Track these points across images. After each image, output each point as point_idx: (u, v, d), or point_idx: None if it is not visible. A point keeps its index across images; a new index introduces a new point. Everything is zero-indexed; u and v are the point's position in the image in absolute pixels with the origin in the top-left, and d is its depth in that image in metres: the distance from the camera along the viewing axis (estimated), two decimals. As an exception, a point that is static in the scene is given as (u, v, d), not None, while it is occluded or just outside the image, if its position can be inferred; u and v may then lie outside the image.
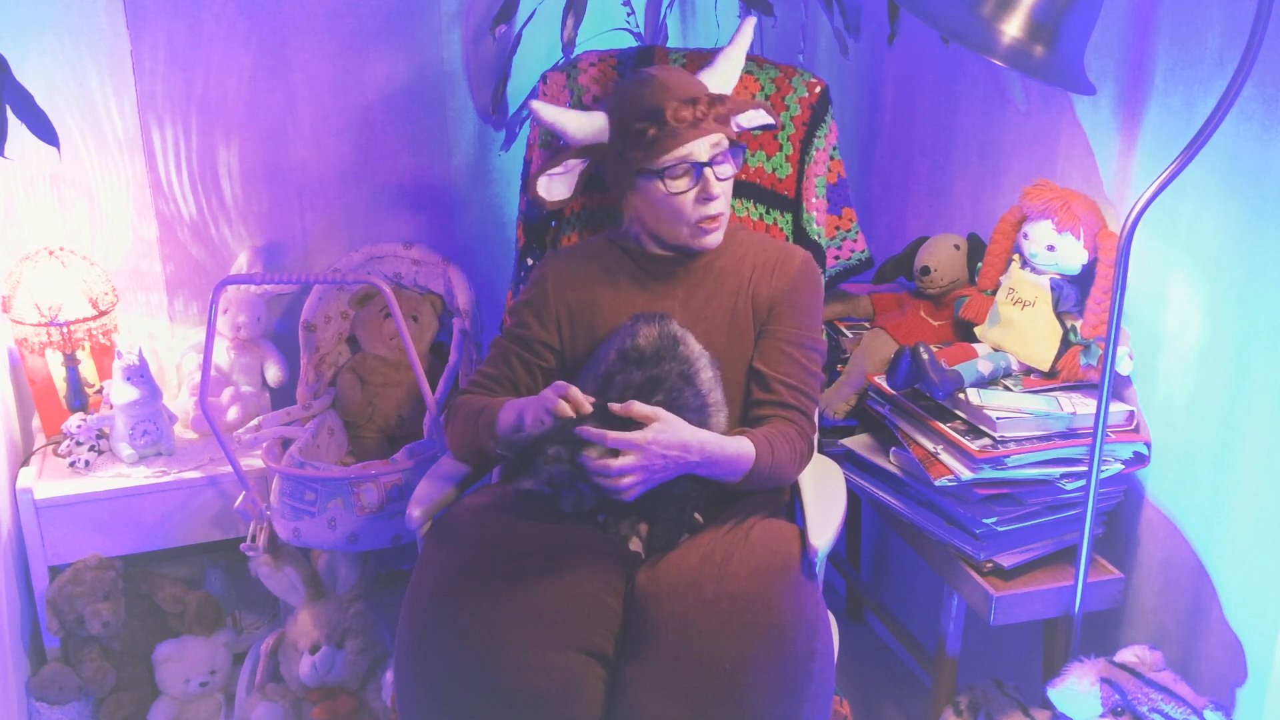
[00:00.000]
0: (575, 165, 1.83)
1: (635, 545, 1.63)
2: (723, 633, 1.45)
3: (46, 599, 2.11)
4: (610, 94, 1.79)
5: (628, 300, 1.78)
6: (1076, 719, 1.57)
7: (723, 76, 1.87)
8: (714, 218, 1.74)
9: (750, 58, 2.00)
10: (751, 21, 1.90)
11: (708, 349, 1.71)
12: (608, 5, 2.45)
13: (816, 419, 1.78)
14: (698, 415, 1.60)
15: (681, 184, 1.70)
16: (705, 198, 1.71)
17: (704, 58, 2.00)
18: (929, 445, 1.81)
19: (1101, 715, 1.54)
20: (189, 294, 2.47)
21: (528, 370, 1.79)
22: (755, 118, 1.88)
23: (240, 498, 2.15)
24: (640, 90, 1.72)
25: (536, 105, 1.86)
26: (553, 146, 2.00)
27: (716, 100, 1.72)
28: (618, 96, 1.77)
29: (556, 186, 1.86)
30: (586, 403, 1.54)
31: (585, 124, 1.80)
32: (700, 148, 1.69)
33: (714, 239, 1.77)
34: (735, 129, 1.81)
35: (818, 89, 2.00)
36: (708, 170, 1.69)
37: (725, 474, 1.61)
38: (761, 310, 1.77)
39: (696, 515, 1.67)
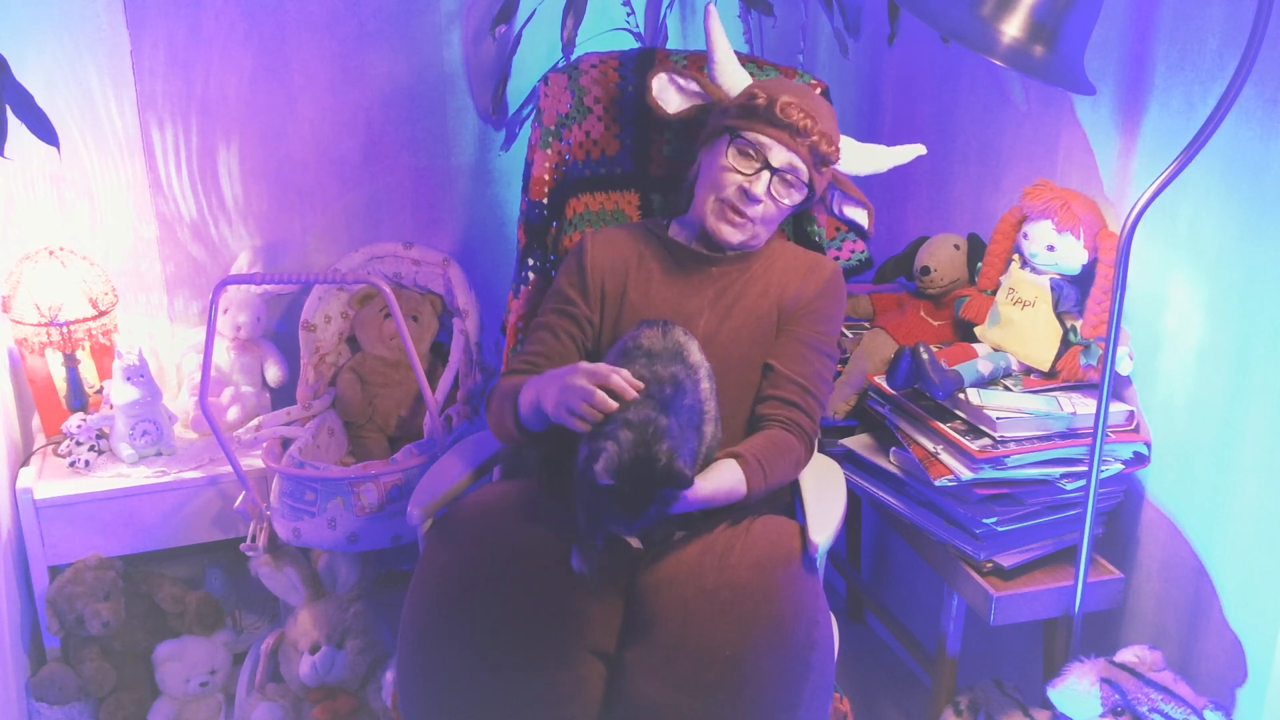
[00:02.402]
0: (696, 92, 1.81)
1: (635, 542, 1.63)
2: (722, 621, 1.45)
3: (46, 599, 2.11)
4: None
5: (657, 291, 1.77)
6: (1076, 719, 1.57)
7: (853, 151, 1.86)
8: (740, 213, 1.73)
9: (750, 59, 2.00)
10: (919, 148, 1.90)
11: (731, 350, 1.71)
12: (608, 5, 2.45)
13: (819, 420, 1.78)
14: (691, 418, 1.58)
15: (741, 163, 1.71)
16: (746, 191, 1.71)
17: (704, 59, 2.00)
18: (929, 445, 1.81)
19: (1101, 715, 1.54)
20: (189, 294, 2.46)
21: (577, 346, 1.77)
22: (854, 211, 1.88)
23: (240, 498, 2.15)
24: (786, 84, 1.77)
25: (714, 13, 1.83)
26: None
27: (827, 143, 1.73)
28: (769, 80, 1.82)
29: (670, 95, 1.83)
30: (631, 389, 1.46)
31: (732, 71, 1.80)
32: (781, 154, 1.71)
33: (730, 233, 1.75)
34: (833, 209, 1.86)
35: (818, 90, 2.00)
36: (766, 172, 1.71)
37: (721, 505, 1.60)
38: (787, 313, 1.76)
39: None
